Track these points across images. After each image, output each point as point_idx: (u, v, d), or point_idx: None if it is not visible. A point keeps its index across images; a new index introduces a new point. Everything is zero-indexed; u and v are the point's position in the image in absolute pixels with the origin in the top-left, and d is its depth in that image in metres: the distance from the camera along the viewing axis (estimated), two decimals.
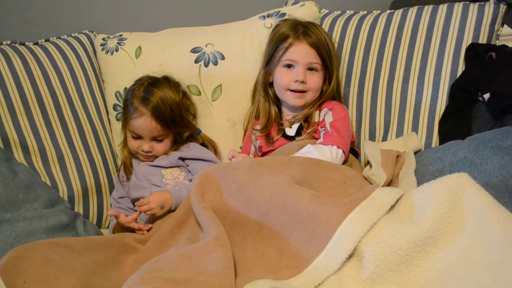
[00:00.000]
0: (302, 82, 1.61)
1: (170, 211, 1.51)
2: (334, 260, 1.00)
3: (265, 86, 1.72)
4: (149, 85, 1.68)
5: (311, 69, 1.62)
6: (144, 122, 1.63)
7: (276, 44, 1.68)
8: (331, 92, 1.67)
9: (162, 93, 1.65)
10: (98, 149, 1.77)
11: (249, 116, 1.80)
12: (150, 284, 0.89)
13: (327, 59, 1.63)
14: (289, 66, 1.64)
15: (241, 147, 1.83)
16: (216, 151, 1.81)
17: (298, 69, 1.62)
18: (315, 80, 1.62)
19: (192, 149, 1.73)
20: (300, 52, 1.62)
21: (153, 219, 1.53)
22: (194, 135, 1.77)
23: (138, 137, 1.67)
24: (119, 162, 1.84)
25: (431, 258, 0.97)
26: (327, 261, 1.01)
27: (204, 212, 1.17)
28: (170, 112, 1.64)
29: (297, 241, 1.07)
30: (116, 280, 1.14)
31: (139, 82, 1.71)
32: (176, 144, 1.74)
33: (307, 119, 1.64)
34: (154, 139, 1.67)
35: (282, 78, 1.65)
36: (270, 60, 1.70)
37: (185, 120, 1.71)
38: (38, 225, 1.33)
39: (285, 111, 1.72)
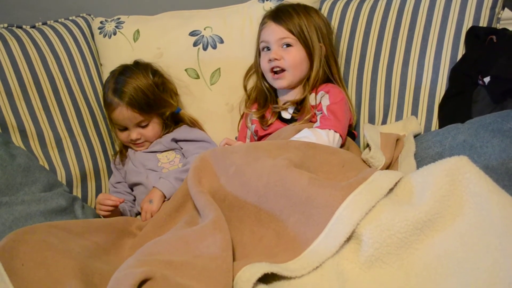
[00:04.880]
0: (275, 59, 1.61)
1: (164, 200, 1.53)
2: (332, 243, 1.00)
3: (261, 73, 1.72)
4: (119, 74, 1.68)
5: (286, 46, 1.61)
6: (120, 112, 1.63)
7: (258, 31, 1.71)
8: (322, 74, 1.64)
9: (131, 79, 1.65)
10: (96, 133, 1.76)
11: (245, 99, 1.80)
12: (146, 266, 0.88)
13: (303, 37, 1.61)
14: (265, 49, 1.66)
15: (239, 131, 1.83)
16: (201, 130, 1.81)
17: (272, 49, 1.63)
18: (291, 55, 1.61)
19: (184, 130, 1.73)
20: (269, 32, 1.64)
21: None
22: (179, 115, 1.76)
23: (123, 128, 1.68)
24: (117, 147, 1.84)
25: (430, 242, 0.96)
26: (325, 244, 1.01)
27: (201, 196, 1.17)
28: (143, 96, 1.63)
29: (295, 224, 1.07)
30: (115, 263, 1.13)
31: (112, 73, 1.73)
32: (167, 128, 1.74)
33: (301, 102, 1.63)
34: (139, 125, 1.67)
35: (262, 62, 1.67)
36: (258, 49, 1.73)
37: (161, 101, 1.70)
38: (36, 208, 1.33)
39: (279, 97, 1.72)
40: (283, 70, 1.62)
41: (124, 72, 1.69)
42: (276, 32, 1.62)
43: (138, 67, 1.71)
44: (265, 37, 1.65)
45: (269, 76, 1.66)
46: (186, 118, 1.78)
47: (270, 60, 1.62)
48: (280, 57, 1.60)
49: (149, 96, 1.65)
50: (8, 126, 1.54)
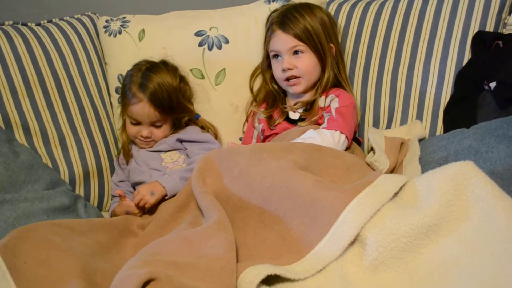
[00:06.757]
0: (289, 69, 1.61)
1: (165, 198, 1.51)
2: (337, 246, 0.99)
3: (269, 77, 1.73)
4: (146, 70, 1.67)
5: (296, 52, 1.61)
6: (142, 108, 1.62)
7: (265, 36, 1.71)
8: (333, 77, 1.64)
9: (159, 78, 1.64)
10: (99, 131, 1.76)
11: (253, 99, 1.79)
12: (149, 267, 0.88)
13: (312, 42, 1.61)
14: (276, 56, 1.66)
15: (244, 132, 1.83)
16: (216, 136, 1.80)
17: (283, 58, 1.62)
18: (303, 63, 1.61)
19: (189, 131, 1.72)
20: (278, 41, 1.63)
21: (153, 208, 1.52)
22: (193, 120, 1.76)
23: (137, 123, 1.67)
24: (120, 145, 1.84)
25: (435, 246, 0.96)
26: (329, 247, 1.00)
27: (205, 196, 1.17)
28: (167, 98, 1.63)
29: (299, 227, 1.06)
30: (117, 263, 1.13)
31: (137, 67, 1.70)
32: (175, 128, 1.74)
33: (311, 104, 1.63)
34: (153, 124, 1.67)
35: (275, 71, 1.67)
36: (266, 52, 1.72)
37: (183, 106, 1.70)
38: (38, 206, 1.32)
39: (288, 97, 1.72)
40: (297, 77, 1.62)
41: (151, 68, 1.67)
42: (286, 41, 1.61)
43: (167, 67, 1.70)
44: (275, 47, 1.64)
45: (284, 83, 1.66)
46: (205, 124, 1.78)
47: (283, 70, 1.62)
48: (293, 66, 1.60)
49: (173, 100, 1.64)
50: (12, 124, 1.54)
